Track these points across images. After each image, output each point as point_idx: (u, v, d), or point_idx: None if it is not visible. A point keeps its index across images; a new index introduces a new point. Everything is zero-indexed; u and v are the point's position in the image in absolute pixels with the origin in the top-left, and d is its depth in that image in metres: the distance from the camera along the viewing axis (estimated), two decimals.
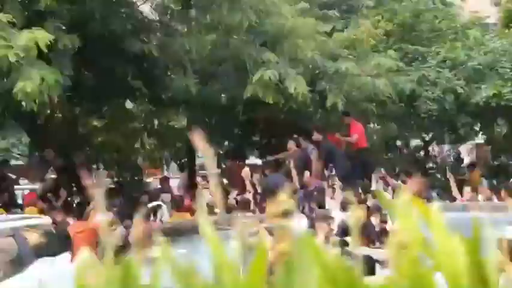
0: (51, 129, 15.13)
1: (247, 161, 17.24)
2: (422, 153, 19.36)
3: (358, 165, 14.14)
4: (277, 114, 14.46)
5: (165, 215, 11.87)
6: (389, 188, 13.28)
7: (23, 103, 10.68)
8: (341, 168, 13.82)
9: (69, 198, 13.94)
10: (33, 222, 8.62)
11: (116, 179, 17.39)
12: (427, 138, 18.73)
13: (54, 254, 8.43)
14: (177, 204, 12.49)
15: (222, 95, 14.46)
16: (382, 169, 13.45)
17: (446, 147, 21.01)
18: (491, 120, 17.33)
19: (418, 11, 17.99)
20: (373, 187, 13.06)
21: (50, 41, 10.08)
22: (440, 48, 17.22)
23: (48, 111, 15.69)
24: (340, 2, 18.75)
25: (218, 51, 14.07)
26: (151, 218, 11.16)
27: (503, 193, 11.32)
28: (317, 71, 14.19)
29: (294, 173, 13.28)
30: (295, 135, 15.06)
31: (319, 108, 14.57)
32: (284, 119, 14.78)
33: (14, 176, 16.08)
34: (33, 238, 8.27)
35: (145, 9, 14.44)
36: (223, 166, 16.78)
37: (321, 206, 11.14)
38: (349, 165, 13.97)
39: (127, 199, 13.59)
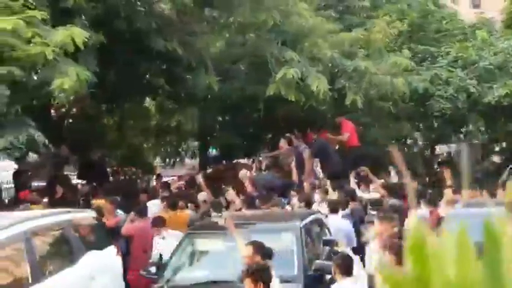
0: (68, 126, 15.25)
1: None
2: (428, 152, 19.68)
3: (349, 164, 14.30)
4: (294, 112, 14.67)
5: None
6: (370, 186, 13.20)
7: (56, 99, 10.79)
8: (332, 166, 13.95)
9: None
10: (78, 216, 8.74)
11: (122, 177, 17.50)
12: (433, 137, 19.02)
13: (100, 248, 8.59)
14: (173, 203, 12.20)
15: (242, 93, 14.62)
16: (363, 167, 13.46)
17: (453, 146, 21.34)
18: (499, 119, 17.67)
19: (426, 12, 18.30)
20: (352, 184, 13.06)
21: (86, 38, 10.18)
22: (450, 48, 17.54)
23: (64, 109, 15.84)
24: (336, 3, 18.99)
25: (239, 49, 14.24)
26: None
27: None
28: (336, 70, 14.44)
29: (294, 171, 13.50)
30: (287, 134, 15.31)
31: (338, 106, 14.81)
32: (301, 117, 15.00)
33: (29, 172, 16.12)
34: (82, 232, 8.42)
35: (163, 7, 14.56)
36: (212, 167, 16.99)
37: (309, 201, 11.29)
38: (341, 163, 14.13)
39: (125, 196, 13.58)
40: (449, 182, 12.95)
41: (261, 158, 16.10)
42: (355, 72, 14.17)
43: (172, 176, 19.95)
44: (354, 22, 17.49)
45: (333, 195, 11.13)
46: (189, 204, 11.69)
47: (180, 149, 23.11)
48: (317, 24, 14.21)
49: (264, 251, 6.32)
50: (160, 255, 8.86)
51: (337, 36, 15.36)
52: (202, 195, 12.64)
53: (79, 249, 8.09)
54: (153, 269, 7.89)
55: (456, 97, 16.11)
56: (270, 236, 8.09)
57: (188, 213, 11.15)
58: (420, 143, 19.40)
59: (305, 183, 13.23)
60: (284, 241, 7.66)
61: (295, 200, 11.75)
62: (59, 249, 7.97)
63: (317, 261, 7.26)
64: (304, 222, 8.10)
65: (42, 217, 7.89)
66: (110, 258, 8.66)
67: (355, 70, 14.16)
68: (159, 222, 9.58)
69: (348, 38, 15.75)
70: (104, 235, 8.99)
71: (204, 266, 7.84)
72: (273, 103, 14.39)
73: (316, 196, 11.97)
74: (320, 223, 8.88)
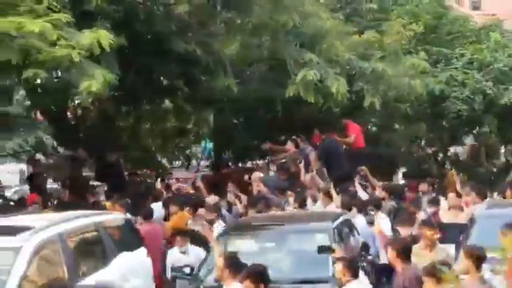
0: (85, 128, 15.31)
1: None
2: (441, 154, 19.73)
3: (355, 165, 14.27)
4: (312, 114, 14.75)
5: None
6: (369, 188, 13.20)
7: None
8: (338, 168, 13.97)
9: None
10: (110, 218, 8.80)
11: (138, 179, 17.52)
12: (445, 138, 19.10)
13: (131, 249, 8.64)
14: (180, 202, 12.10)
15: (256, 94, 14.68)
16: (362, 167, 13.48)
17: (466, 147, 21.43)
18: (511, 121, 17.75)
19: (440, 14, 18.38)
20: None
21: (112, 41, 10.21)
22: (464, 50, 17.64)
23: (80, 112, 15.90)
24: (344, 6, 19.05)
25: (255, 51, 14.29)
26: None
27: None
28: (353, 72, 14.49)
29: (302, 171, 13.54)
30: (293, 137, 15.37)
31: (355, 108, 14.88)
32: (318, 118, 15.08)
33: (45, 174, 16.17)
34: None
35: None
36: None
37: (303, 202, 11.42)
38: (347, 165, 14.13)
39: (132, 199, 13.59)
40: (458, 186, 13.03)
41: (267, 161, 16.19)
42: (373, 74, 14.23)
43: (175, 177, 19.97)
44: (366, 25, 17.54)
45: (337, 199, 11.21)
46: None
47: (187, 152, 23.22)
48: (334, 26, 14.30)
49: (236, 265, 6.39)
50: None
51: (351, 38, 15.43)
52: (212, 199, 12.73)
53: (112, 250, 8.14)
54: (187, 270, 7.94)
55: (472, 99, 16.22)
56: (303, 237, 8.16)
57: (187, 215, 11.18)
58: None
59: (307, 176, 13.22)
60: (317, 242, 7.70)
61: (291, 200, 11.86)
62: (93, 251, 8.02)
63: None
64: (336, 223, 8.17)
65: (76, 219, 7.94)
66: (141, 259, 8.72)
67: (373, 72, 14.21)
68: (184, 234, 9.58)
69: (362, 40, 15.81)
70: (134, 237, 9.04)
71: None
72: (289, 105, 14.46)
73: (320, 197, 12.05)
74: (349, 224, 8.94)
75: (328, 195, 11.31)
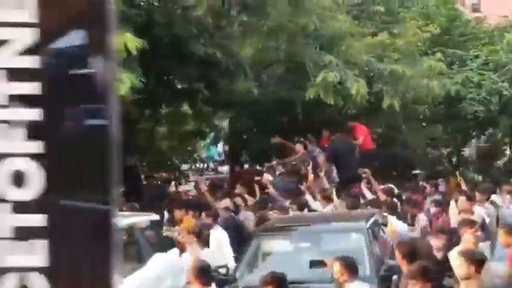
0: None
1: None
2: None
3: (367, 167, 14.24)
4: (332, 115, 14.83)
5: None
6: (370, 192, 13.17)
7: None
8: (345, 170, 13.98)
9: None
10: (143, 219, 8.86)
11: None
12: (459, 140, 19.19)
13: (164, 250, 8.70)
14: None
15: (274, 97, 14.74)
16: (365, 169, 13.45)
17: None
18: None
19: (453, 16, 18.46)
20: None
21: (138, 44, 10.27)
22: (478, 51, 17.72)
23: None
24: (351, 8, 19.10)
25: (273, 53, 14.35)
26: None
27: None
28: (372, 73, 14.54)
29: (310, 174, 13.55)
30: (301, 139, 15.40)
31: (374, 109, 14.94)
32: (336, 120, 15.15)
33: None
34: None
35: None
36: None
37: (302, 203, 11.46)
38: (357, 167, 14.12)
39: (147, 202, 13.56)
40: (463, 186, 13.07)
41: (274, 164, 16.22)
42: (391, 76, 14.27)
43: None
44: (381, 27, 17.60)
45: (337, 202, 11.25)
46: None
47: (195, 155, 23.24)
48: (350, 28, 14.38)
49: (204, 275, 6.54)
50: None
51: (366, 40, 15.48)
52: (225, 203, 12.75)
53: (147, 251, 8.21)
54: (223, 270, 8.00)
55: (489, 100, 16.30)
56: (338, 237, 8.23)
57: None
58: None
59: (311, 176, 13.20)
60: (353, 241, 7.77)
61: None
62: (130, 252, 8.09)
63: (389, 261, 7.34)
64: (369, 223, 8.23)
65: None
66: (174, 260, 8.76)
67: (392, 73, 14.26)
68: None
69: (377, 42, 15.86)
70: (166, 237, 9.10)
71: (273, 267, 7.92)
72: (308, 107, 14.52)
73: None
74: (379, 224, 9.01)
75: (328, 199, 11.37)
